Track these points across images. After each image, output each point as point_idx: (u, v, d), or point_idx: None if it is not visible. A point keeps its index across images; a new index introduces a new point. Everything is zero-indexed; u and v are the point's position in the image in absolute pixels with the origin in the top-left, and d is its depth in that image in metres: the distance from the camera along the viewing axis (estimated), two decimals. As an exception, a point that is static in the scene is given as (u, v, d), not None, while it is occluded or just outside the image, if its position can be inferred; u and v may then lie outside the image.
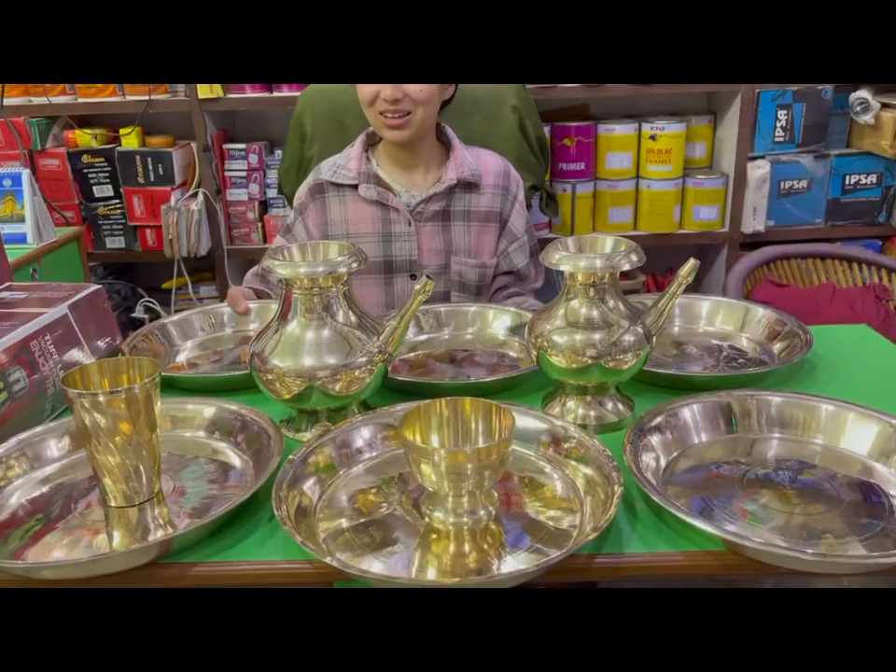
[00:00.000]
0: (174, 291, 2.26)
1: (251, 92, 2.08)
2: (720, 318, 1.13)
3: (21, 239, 1.79)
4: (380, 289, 1.41)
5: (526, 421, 0.82)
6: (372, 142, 1.45)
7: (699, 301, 1.15)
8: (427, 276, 0.84)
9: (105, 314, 1.04)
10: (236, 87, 2.07)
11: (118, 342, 1.06)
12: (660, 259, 2.38)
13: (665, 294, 0.85)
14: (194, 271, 2.30)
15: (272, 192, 2.19)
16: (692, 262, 0.83)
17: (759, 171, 2.08)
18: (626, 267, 0.81)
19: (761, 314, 1.10)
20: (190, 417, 0.90)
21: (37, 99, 2.09)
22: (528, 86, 1.93)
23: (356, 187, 1.39)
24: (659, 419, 0.81)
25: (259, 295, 1.38)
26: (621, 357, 0.83)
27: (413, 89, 1.28)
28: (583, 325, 0.83)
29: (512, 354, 1.10)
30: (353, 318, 0.85)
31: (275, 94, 2.09)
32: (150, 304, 2.30)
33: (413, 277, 1.39)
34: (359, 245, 1.40)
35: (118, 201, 2.17)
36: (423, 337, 1.15)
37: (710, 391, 0.87)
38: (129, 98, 2.09)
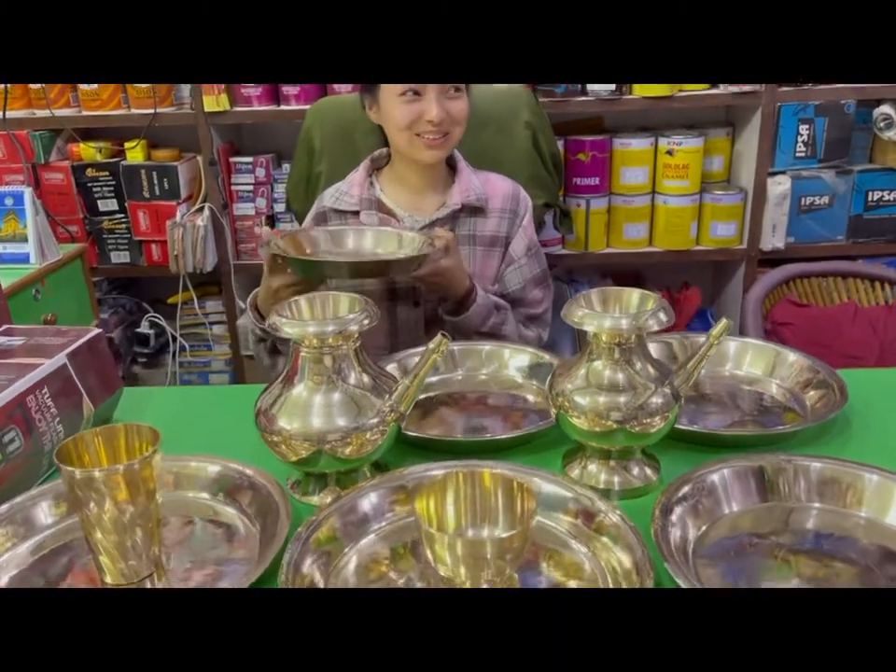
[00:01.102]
0: (179, 306, 2.22)
1: (258, 105, 2.04)
2: (747, 361, 1.08)
3: (24, 259, 1.75)
4: (383, 317, 1.36)
5: (547, 487, 0.78)
6: (378, 166, 1.41)
7: (726, 342, 1.10)
8: (443, 334, 0.79)
9: (105, 358, 1.00)
10: (242, 100, 2.03)
11: (118, 387, 1.02)
12: (675, 276, 2.33)
13: (695, 355, 0.80)
14: (200, 285, 2.26)
15: (279, 207, 2.15)
16: (724, 323, 0.79)
17: (779, 187, 2.02)
18: (654, 328, 0.77)
19: (792, 359, 1.05)
20: (193, 476, 0.86)
21: (41, 112, 2.05)
22: (542, 99, 1.89)
23: (357, 213, 1.34)
24: (687, 488, 0.77)
25: None
26: (648, 420, 0.78)
27: (456, 107, 1.25)
28: (607, 387, 0.79)
29: (529, 398, 1.05)
30: (363, 377, 0.81)
31: (282, 108, 2.04)
32: (156, 319, 2.26)
33: (417, 305, 1.35)
34: None
35: (122, 215, 2.13)
36: (434, 378, 1.11)
37: (740, 451, 0.83)
38: (134, 111, 2.05)
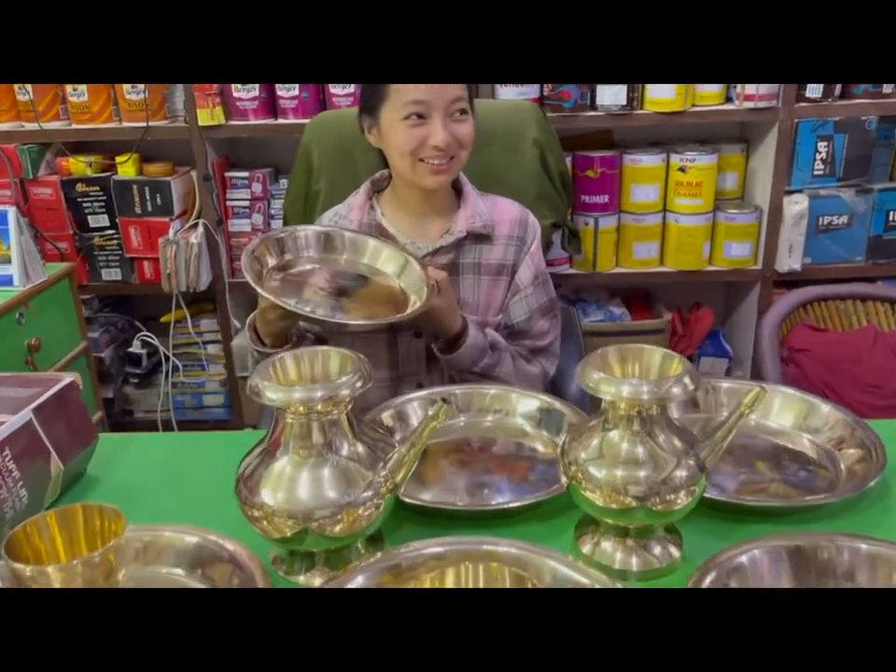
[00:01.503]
0: (172, 325, 2.15)
1: (254, 119, 1.96)
2: (774, 411, 0.99)
3: (7, 282, 1.68)
4: (384, 348, 1.29)
5: (561, 572, 0.70)
6: (378, 188, 1.33)
7: (748, 387, 1.01)
8: (444, 400, 0.71)
9: (78, 408, 0.92)
10: (238, 113, 1.95)
11: (92, 439, 0.94)
12: (686, 295, 2.25)
13: (723, 424, 0.72)
14: (194, 303, 2.19)
15: (276, 223, 2.07)
16: (756, 391, 0.70)
17: (796, 206, 1.94)
18: (680, 397, 0.69)
19: (825, 411, 0.96)
20: (167, 547, 0.78)
21: (29, 124, 1.98)
22: (550, 114, 1.81)
23: None
24: (712, 577, 0.68)
25: None
26: (671, 496, 0.70)
27: (462, 131, 1.18)
28: (625, 459, 0.71)
29: (539, 448, 0.98)
30: (356, 446, 0.73)
31: (280, 121, 1.96)
32: (148, 338, 2.19)
33: (419, 336, 1.27)
34: None
35: (114, 231, 2.06)
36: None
37: (770, 522, 0.75)
38: (125, 124, 1.98)
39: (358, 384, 0.72)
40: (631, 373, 0.75)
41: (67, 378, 0.90)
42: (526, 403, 1.05)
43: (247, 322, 1.23)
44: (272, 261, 1.16)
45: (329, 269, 1.19)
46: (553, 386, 1.55)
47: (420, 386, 1.31)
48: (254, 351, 1.22)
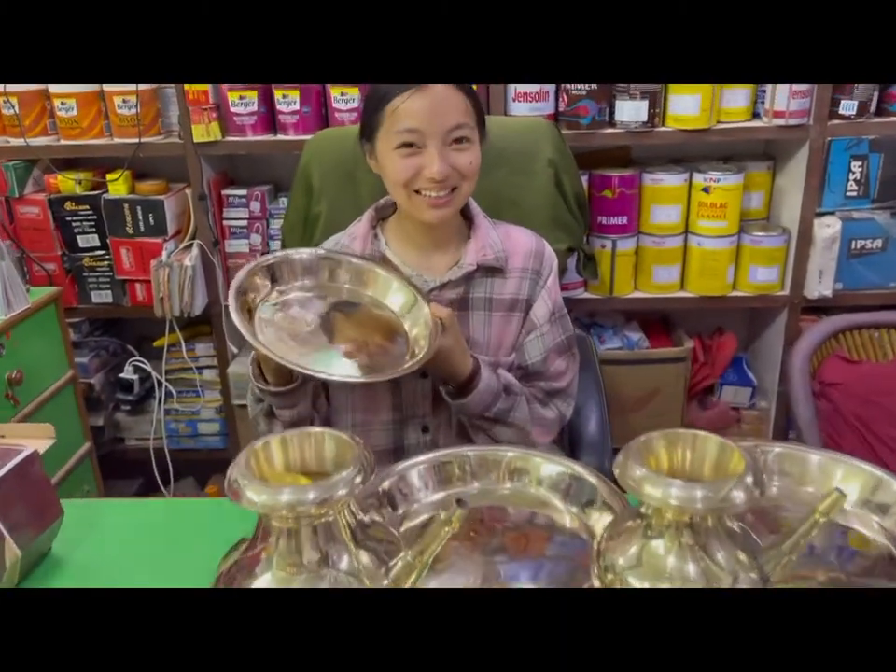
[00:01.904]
0: (165, 349, 2.04)
1: (252, 135, 1.85)
2: (836, 481, 0.87)
3: (-13, 311, 1.57)
4: (386, 388, 1.18)
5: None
6: (383, 216, 1.23)
7: (806, 455, 0.89)
8: (458, 501, 0.60)
9: (39, 484, 0.81)
10: (235, 128, 1.84)
11: (56, 516, 0.83)
12: (707, 320, 2.13)
13: (793, 534, 0.61)
14: (189, 326, 2.08)
15: (275, 244, 1.96)
16: (834, 496, 0.59)
17: (827, 229, 1.82)
18: (741, 507, 0.57)
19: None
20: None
21: (15, 140, 1.87)
22: (565, 131, 1.70)
23: None
24: None
25: None
26: (727, 619, 0.59)
27: (463, 161, 1.08)
28: (672, 575, 0.59)
29: (565, 524, 0.87)
30: (358, 554, 0.62)
31: (279, 137, 1.86)
32: (140, 363, 2.08)
33: (424, 376, 1.17)
34: None
35: (104, 252, 1.95)
36: (443, 494, 0.92)
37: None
38: (117, 140, 1.87)
39: (358, 479, 0.61)
40: (681, 466, 0.63)
41: (27, 450, 0.80)
42: (549, 469, 0.93)
43: (251, 357, 1.13)
44: (262, 293, 1.06)
45: (326, 299, 1.10)
46: (570, 425, 1.44)
47: (426, 430, 1.20)
48: (255, 388, 1.12)
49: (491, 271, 1.17)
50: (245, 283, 1.04)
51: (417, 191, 1.09)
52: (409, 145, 1.06)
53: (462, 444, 1.06)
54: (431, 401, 1.19)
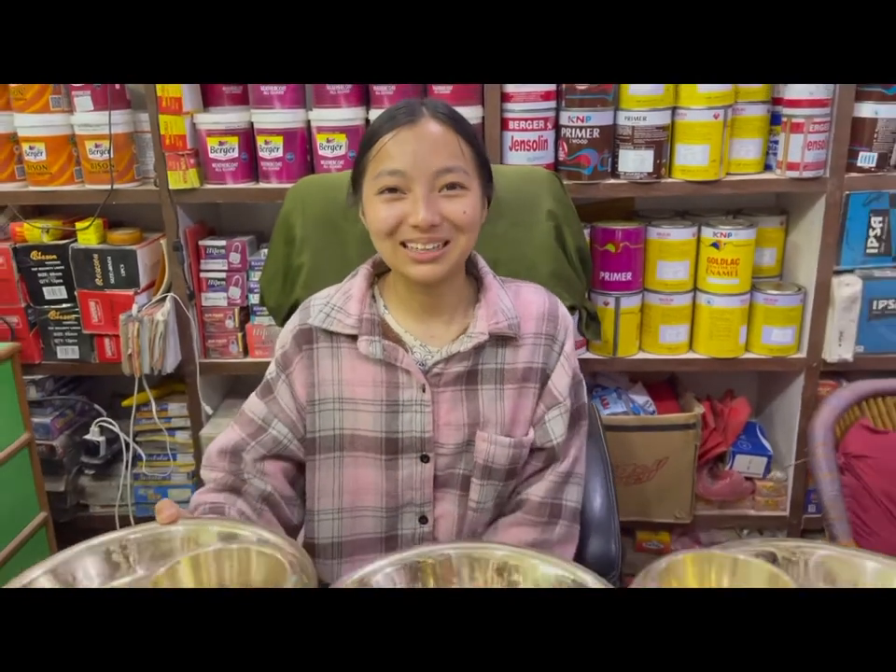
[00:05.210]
0: (134, 409, 1.89)
1: (232, 182, 1.74)
2: None
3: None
4: (379, 472, 1.03)
5: None
6: (381, 271, 1.09)
7: (862, 560, 0.74)
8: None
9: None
10: (214, 175, 1.73)
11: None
12: (717, 383, 1.99)
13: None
14: (162, 383, 1.93)
15: (256, 297, 1.83)
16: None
17: (847, 288, 1.70)
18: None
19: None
20: None
21: (-21, 185, 1.76)
22: (566, 182, 1.59)
23: (354, 337, 1.02)
24: None
25: (217, 510, 0.98)
26: None
27: (454, 210, 0.94)
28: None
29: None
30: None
31: (261, 185, 1.75)
32: (108, 424, 1.93)
33: (425, 459, 1.02)
34: (355, 414, 1.02)
35: (71, 304, 1.82)
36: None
37: None
38: (88, 187, 1.76)
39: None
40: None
41: None
42: (545, 573, 0.78)
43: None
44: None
45: None
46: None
47: (423, 521, 1.05)
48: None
49: (503, 339, 1.03)
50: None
51: (403, 245, 0.96)
52: (392, 189, 0.94)
53: (465, 540, 0.91)
54: (432, 489, 1.04)
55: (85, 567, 0.77)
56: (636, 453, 1.83)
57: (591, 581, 0.74)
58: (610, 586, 0.74)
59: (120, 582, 0.76)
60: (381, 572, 0.76)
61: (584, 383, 1.12)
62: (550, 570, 0.78)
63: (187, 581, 0.50)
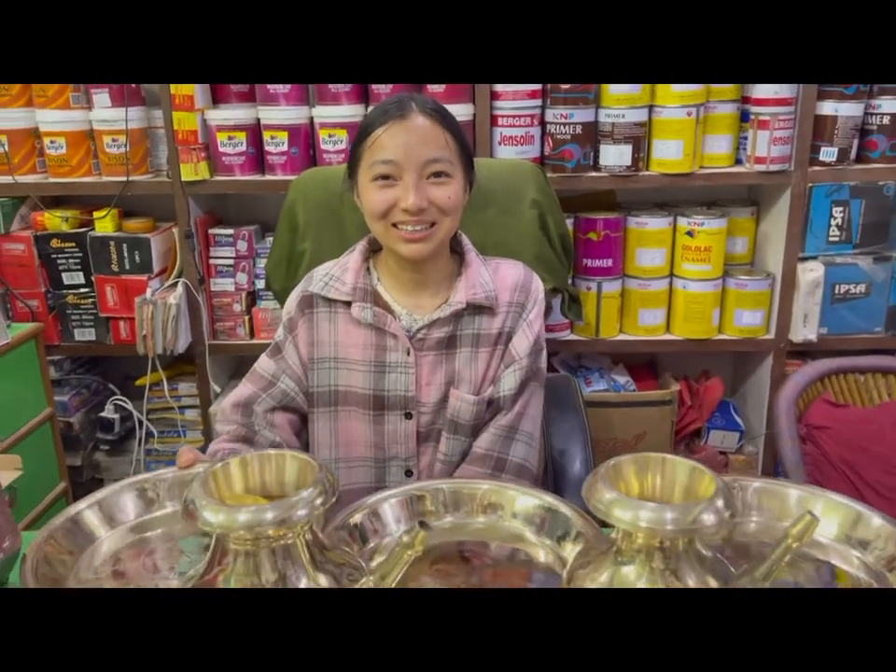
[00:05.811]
0: (147, 388, 2.01)
1: (240, 175, 1.86)
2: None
3: (-36, 345, 1.56)
4: (368, 426, 1.16)
5: None
6: (375, 248, 1.22)
7: (784, 489, 0.88)
8: (422, 524, 0.58)
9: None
10: (224, 168, 1.86)
11: (17, 545, 0.81)
12: (694, 364, 2.13)
13: (765, 560, 0.59)
14: (173, 364, 2.06)
15: (261, 283, 1.96)
16: (807, 520, 0.57)
17: (811, 273, 1.83)
18: (712, 530, 0.55)
19: (876, 525, 0.82)
20: None
21: (3, 178, 1.88)
22: (550, 174, 1.72)
23: (349, 304, 1.15)
24: None
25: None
26: (701, 649, 0.56)
27: (440, 195, 1.07)
28: (646, 601, 0.57)
29: (540, 559, 0.84)
30: (317, 577, 0.60)
31: (267, 177, 1.87)
32: (121, 402, 2.05)
33: (409, 416, 1.15)
34: (348, 372, 1.16)
35: (88, 289, 1.94)
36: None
37: None
38: (105, 178, 1.88)
39: (319, 500, 0.59)
40: (651, 491, 0.62)
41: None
42: (524, 503, 0.91)
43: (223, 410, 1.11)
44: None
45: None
46: (554, 466, 1.42)
47: (409, 474, 1.18)
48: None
49: (480, 308, 1.16)
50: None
51: (395, 225, 1.09)
52: (385, 177, 1.07)
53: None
54: (416, 442, 1.17)
55: (124, 501, 0.90)
56: (615, 428, 1.96)
57: (559, 504, 0.87)
58: (578, 508, 0.87)
59: (153, 516, 0.89)
60: (387, 501, 0.89)
61: (545, 352, 1.22)
62: (526, 500, 0.91)
63: (236, 475, 0.63)
